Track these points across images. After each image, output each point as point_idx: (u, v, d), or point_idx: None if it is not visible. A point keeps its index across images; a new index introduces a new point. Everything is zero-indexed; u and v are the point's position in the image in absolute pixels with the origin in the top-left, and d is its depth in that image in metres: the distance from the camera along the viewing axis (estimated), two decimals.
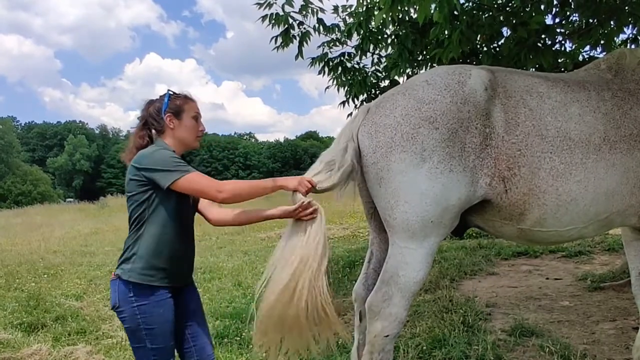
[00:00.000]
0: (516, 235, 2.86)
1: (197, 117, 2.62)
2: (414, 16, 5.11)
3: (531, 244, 3.61)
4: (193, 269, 2.74)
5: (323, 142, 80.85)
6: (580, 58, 5.80)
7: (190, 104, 2.62)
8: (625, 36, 5.98)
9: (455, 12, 4.54)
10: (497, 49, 5.35)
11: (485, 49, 5.34)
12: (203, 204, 2.73)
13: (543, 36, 4.91)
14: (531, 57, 4.70)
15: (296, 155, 75.06)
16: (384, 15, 4.02)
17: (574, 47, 5.62)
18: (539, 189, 2.65)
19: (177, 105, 2.58)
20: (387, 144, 2.65)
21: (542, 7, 4.87)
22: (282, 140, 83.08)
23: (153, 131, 2.60)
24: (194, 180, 2.36)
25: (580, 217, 2.71)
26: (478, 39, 5.13)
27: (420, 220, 2.60)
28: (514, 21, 4.72)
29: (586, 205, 2.68)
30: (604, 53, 5.54)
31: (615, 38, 5.70)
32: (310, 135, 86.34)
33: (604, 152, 2.68)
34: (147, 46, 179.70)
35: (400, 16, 5.25)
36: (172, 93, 2.63)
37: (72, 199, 54.90)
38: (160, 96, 2.63)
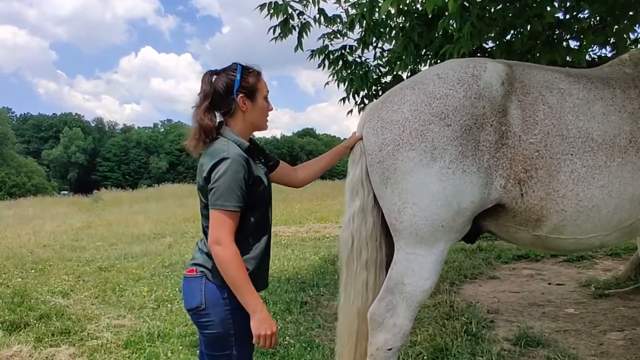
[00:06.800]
0: (532, 242, 2.65)
1: (267, 97, 2.32)
2: (420, 8, 4.89)
3: (547, 251, 3.41)
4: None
5: (320, 139, 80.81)
6: (592, 56, 5.59)
7: (262, 81, 2.29)
8: (638, 35, 5.78)
9: (466, 4, 4.31)
10: (510, 43, 5.11)
11: (497, 42, 5.10)
12: (283, 178, 2.57)
13: (557, 31, 4.70)
14: (545, 51, 4.49)
15: (293, 152, 74.84)
16: (390, 6, 3.80)
17: (584, 43, 5.39)
18: (558, 194, 2.44)
19: (251, 84, 2.23)
20: (395, 141, 2.45)
21: (556, 1, 4.65)
22: (279, 136, 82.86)
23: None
24: (216, 216, 2.05)
25: (603, 224, 2.50)
26: (489, 32, 4.89)
27: (430, 224, 2.40)
28: (528, 13, 4.49)
29: (609, 212, 2.47)
30: (614, 52, 5.34)
31: (625, 36, 5.50)
32: (308, 132, 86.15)
33: (630, 155, 2.46)
34: (143, 39, 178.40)
35: (409, 6, 4.99)
36: (243, 67, 2.24)
37: (66, 192, 54.47)
38: (227, 70, 2.24)
